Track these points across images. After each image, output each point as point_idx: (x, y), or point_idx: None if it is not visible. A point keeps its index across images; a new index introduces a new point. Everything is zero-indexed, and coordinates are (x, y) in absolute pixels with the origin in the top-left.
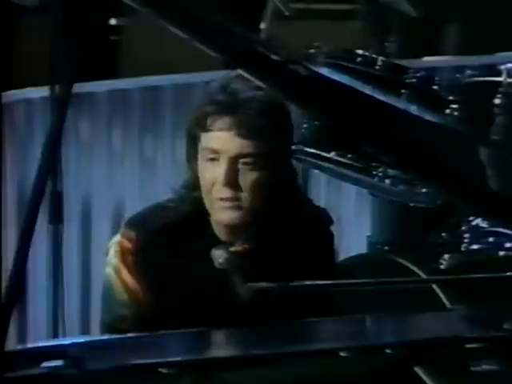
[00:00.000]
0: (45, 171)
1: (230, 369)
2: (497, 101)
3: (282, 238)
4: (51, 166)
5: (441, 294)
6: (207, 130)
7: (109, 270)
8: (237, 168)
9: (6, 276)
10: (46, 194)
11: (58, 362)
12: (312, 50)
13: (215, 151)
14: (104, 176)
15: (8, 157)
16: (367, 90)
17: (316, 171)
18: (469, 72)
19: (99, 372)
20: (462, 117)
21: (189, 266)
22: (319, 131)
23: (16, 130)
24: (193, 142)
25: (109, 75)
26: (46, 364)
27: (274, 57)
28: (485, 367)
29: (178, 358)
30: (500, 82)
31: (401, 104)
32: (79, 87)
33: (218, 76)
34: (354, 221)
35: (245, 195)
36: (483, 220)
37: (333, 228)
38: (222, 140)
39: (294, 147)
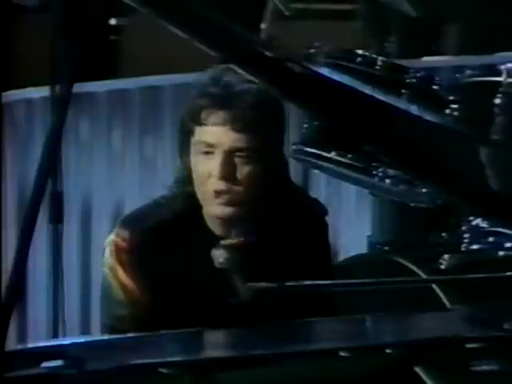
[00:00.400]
0: (45, 171)
1: (230, 369)
2: (497, 101)
3: (276, 230)
4: (51, 165)
5: (441, 294)
6: (201, 124)
7: (105, 270)
8: (232, 161)
9: (5, 276)
10: (46, 194)
11: (58, 362)
12: (312, 50)
13: (210, 145)
14: (104, 176)
15: (8, 157)
16: (367, 89)
17: (316, 171)
18: (469, 72)
19: (99, 372)
20: (462, 117)
21: (184, 262)
22: (319, 131)
23: (16, 130)
24: (186, 136)
25: (109, 75)
26: (45, 364)
27: (274, 57)
28: (485, 367)
29: (178, 358)
30: (500, 81)
31: (401, 104)
32: (79, 87)
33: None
34: (354, 221)
35: (239, 188)
36: (483, 220)
37: (327, 218)
38: (216, 134)
39: (294, 147)
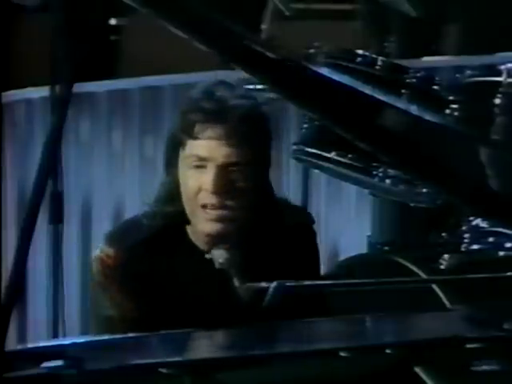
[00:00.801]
0: (45, 171)
1: (230, 369)
2: (497, 101)
3: (265, 242)
4: (51, 165)
5: (441, 294)
6: (194, 138)
7: (93, 286)
8: (224, 175)
9: (6, 276)
10: (46, 194)
11: (58, 362)
12: (312, 50)
13: (202, 159)
14: (104, 176)
15: (8, 157)
16: (367, 90)
17: (316, 171)
18: (469, 72)
19: (99, 372)
20: (462, 117)
21: (170, 277)
22: (319, 131)
23: (16, 130)
24: (175, 149)
25: (109, 75)
26: (45, 364)
27: (274, 57)
28: (485, 367)
29: (178, 358)
30: (500, 81)
31: (401, 104)
32: (79, 87)
33: (214, 76)
34: (354, 221)
35: (230, 203)
36: (483, 220)
37: (315, 227)
38: (209, 148)
39: (294, 147)
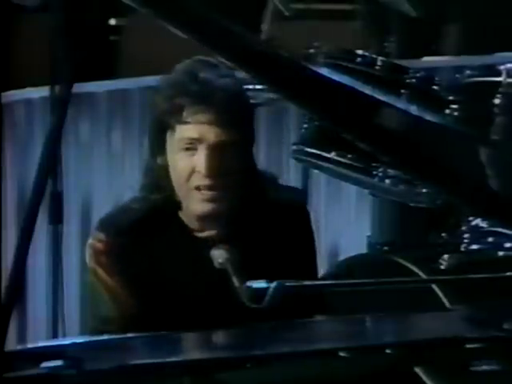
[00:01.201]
0: (45, 171)
1: (229, 369)
2: (496, 101)
3: (258, 224)
4: (51, 166)
5: (440, 294)
6: (184, 122)
7: (88, 274)
8: (216, 156)
9: (5, 276)
10: (46, 194)
11: (58, 362)
12: (312, 50)
13: (193, 140)
14: (104, 176)
15: (8, 157)
16: (367, 90)
17: (316, 171)
18: (468, 72)
19: (99, 372)
20: (462, 117)
21: (163, 259)
22: (319, 131)
23: (16, 130)
24: (162, 133)
25: (108, 75)
26: (45, 364)
27: (274, 57)
28: (485, 367)
29: (177, 359)
30: (500, 82)
31: (401, 104)
32: (79, 87)
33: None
34: (353, 221)
35: (223, 182)
36: (483, 220)
37: (308, 207)
38: (201, 129)
39: (294, 147)
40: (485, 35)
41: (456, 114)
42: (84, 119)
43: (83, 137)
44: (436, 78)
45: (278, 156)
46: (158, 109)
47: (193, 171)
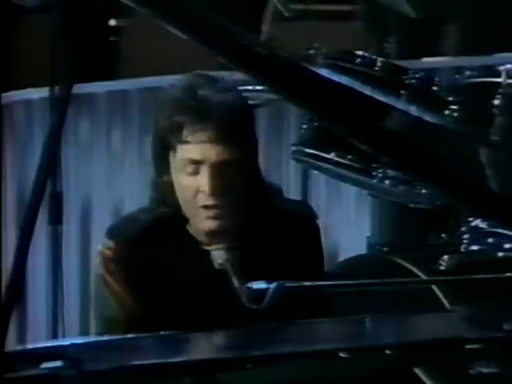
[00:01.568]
0: (44, 172)
1: (229, 370)
2: (496, 101)
3: (266, 238)
4: (51, 166)
5: (440, 295)
6: (185, 142)
7: (95, 280)
8: (219, 174)
9: (5, 276)
10: (46, 195)
11: (58, 363)
12: (311, 51)
13: (196, 161)
14: (103, 177)
15: (8, 157)
16: (367, 90)
17: (315, 172)
18: (468, 73)
19: (99, 373)
20: (462, 118)
21: (172, 268)
22: (319, 132)
23: (16, 131)
24: (164, 151)
25: (108, 76)
26: (45, 365)
27: (274, 58)
28: (484, 368)
29: (178, 359)
30: (499, 82)
31: (400, 105)
32: (79, 88)
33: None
34: (353, 222)
35: (228, 200)
36: (482, 221)
37: (318, 221)
38: (201, 150)
39: (294, 148)
40: (484, 36)
41: (455, 114)
42: (84, 120)
43: (83, 137)
44: (435, 79)
45: (278, 157)
46: (159, 126)
47: (197, 191)
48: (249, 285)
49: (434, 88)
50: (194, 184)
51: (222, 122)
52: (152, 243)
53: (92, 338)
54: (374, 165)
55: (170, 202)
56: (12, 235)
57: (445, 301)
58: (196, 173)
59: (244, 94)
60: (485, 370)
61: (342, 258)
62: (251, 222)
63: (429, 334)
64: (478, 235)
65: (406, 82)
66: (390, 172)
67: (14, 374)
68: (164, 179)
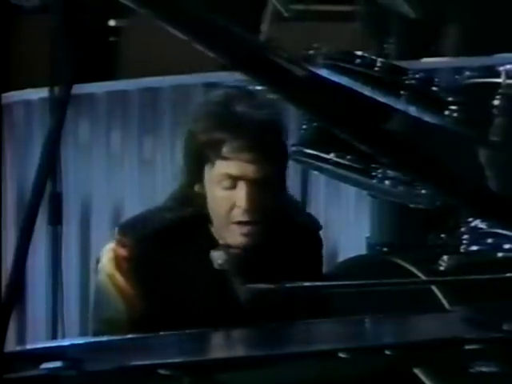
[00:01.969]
0: (44, 172)
1: (229, 370)
2: (496, 102)
3: (271, 244)
4: (50, 166)
5: (440, 295)
6: (224, 158)
7: (102, 278)
8: (255, 191)
9: (5, 276)
10: (46, 195)
11: (58, 364)
12: (311, 52)
13: (234, 177)
14: (103, 177)
15: (8, 157)
16: (366, 91)
17: (315, 172)
18: (468, 73)
19: (98, 373)
20: (461, 118)
21: (188, 269)
22: (318, 132)
23: (15, 131)
24: (200, 163)
25: (108, 76)
26: (45, 365)
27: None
28: (484, 368)
29: (178, 360)
30: (499, 83)
31: (400, 105)
32: (78, 88)
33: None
34: (352, 222)
35: (262, 217)
36: (482, 221)
37: (321, 233)
38: (241, 166)
39: (293, 148)
40: (484, 36)
41: (455, 115)
42: (83, 120)
43: (83, 138)
44: (435, 80)
45: None
46: (195, 140)
47: (233, 206)
48: (249, 285)
49: (434, 88)
50: (229, 198)
51: (262, 140)
52: (171, 244)
53: (92, 339)
54: (373, 165)
55: (198, 208)
56: (12, 235)
57: (444, 301)
58: (233, 187)
59: (278, 110)
60: (484, 370)
61: (341, 258)
62: (268, 232)
63: (428, 334)
64: (477, 236)
65: (406, 82)
66: (390, 172)
67: (13, 375)
68: (196, 190)
